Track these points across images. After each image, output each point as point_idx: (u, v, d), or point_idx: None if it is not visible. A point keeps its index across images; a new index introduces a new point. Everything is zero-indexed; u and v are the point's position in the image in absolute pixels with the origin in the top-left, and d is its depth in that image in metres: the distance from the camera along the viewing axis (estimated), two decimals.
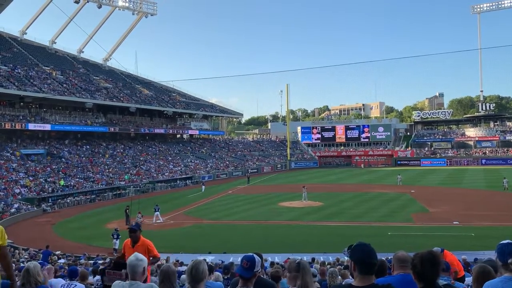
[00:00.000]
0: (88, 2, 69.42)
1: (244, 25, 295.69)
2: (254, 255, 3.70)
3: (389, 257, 12.78)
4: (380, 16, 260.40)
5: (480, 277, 3.28)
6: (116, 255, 21.48)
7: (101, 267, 6.74)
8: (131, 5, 74.51)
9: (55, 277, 7.04)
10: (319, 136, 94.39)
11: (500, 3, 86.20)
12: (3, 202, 35.02)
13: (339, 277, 7.75)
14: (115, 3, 72.80)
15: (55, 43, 70.28)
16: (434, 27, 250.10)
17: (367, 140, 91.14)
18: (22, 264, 12.28)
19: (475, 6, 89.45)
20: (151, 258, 6.41)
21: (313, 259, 14.52)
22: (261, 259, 4.27)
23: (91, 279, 8.00)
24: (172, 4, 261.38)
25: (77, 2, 67.73)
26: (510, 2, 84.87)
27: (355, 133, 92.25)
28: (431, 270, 2.87)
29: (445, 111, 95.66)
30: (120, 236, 22.90)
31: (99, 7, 70.70)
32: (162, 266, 3.79)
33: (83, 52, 73.84)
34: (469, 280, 6.50)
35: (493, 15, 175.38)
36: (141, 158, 61.05)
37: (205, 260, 11.97)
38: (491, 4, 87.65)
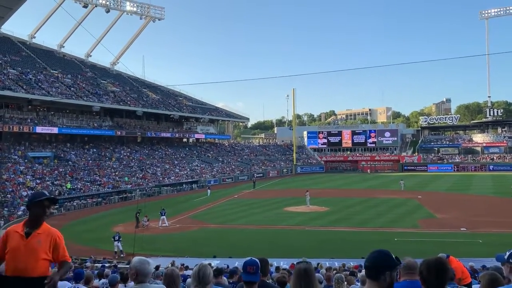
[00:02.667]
0: (96, 6, 70.06)
1: (251, 30, 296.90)
2: (254, 258, 3.64)
3: None
4: (388, 21, 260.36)
5: (489, 284, 3.23)
6: (122, 256, 21.56)
7: None
8: (139, 10, 75.06)
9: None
10: (325, 141, 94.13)
11: (508, 8, 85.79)
12: (11, 207, 35.25)
13: (345, 283, 7.68)
14: (123, 8, 73.38)
15: (63, 47, 70.93)
16: (442, 32, 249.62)
17: (373, 145, 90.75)
18: None
19: (483, 12, 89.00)
20: (59, 262, 3.97)
21: (318, 264, 14.42)
22: (267, 265, 4.24)
23: (96, 282, 8.00)
24: (179, 9, 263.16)
25: (85, 7, 68.42)
26: None
27: (361, 138, 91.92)
28: (438, 277, 2.83)
29: (452, 117, 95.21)
30: (121, 239, 22.96)
31: (107, 11, 71.29)
32: (167, 270, 3.78)
33: (91, 56, 74.43)
34: (476, 287, 6.42)
35: (501, 21, 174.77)
36: (147, 162, 61.21)
37: (210, 264, 11.93)
38: (499, 9, 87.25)
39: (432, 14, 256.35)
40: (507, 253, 3.09)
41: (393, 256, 2.92)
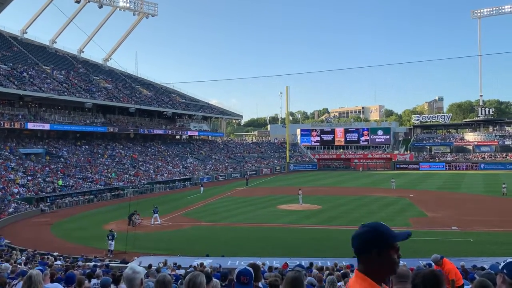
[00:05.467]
0: (89, 2, 69.46)
1: (245, 28, 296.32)
2: (247, 268, 3.66)
3: None
4: (381, 20, 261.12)
5: None
6: (111, 256, 21.37)
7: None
8: (132, 6, 74.55)
9: (52, 281, 6.98)
10: (319, 138, 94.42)
11: (500, 8, 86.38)
12: (2, 204, 34.96)
13: (340, 283, 7.68)
14: (116, 4, 72.84)
15: (55, 42, 70.27)
16: (435, 31, 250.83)
17: (366, 143, 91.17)
18: (19, 266, 12.22)
19: (476, 11, 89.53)
20: None
21: (311, 264, 14.48)
22: (259, 271, 4.23)
23: (87, 283, 7.95)
24: (172, 6, 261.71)
25: (78, 2, 67.79)
26: (511, 7, 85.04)
27: (354, 136, 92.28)
28: None
29: (444, 115, 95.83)
30: (116, 236, 22.78)
31: (100, 7, 70.75)
32: (158, 276, 3.74)
33: (83, 52, 73.90)
34: None
35: (493, 20, 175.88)
36: (140, 159, 60.95)
37: (202, 264, 11.85)
38: (491, 9, 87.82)
39: (425, 13, 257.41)
40: (502, 263, 3.09)
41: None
